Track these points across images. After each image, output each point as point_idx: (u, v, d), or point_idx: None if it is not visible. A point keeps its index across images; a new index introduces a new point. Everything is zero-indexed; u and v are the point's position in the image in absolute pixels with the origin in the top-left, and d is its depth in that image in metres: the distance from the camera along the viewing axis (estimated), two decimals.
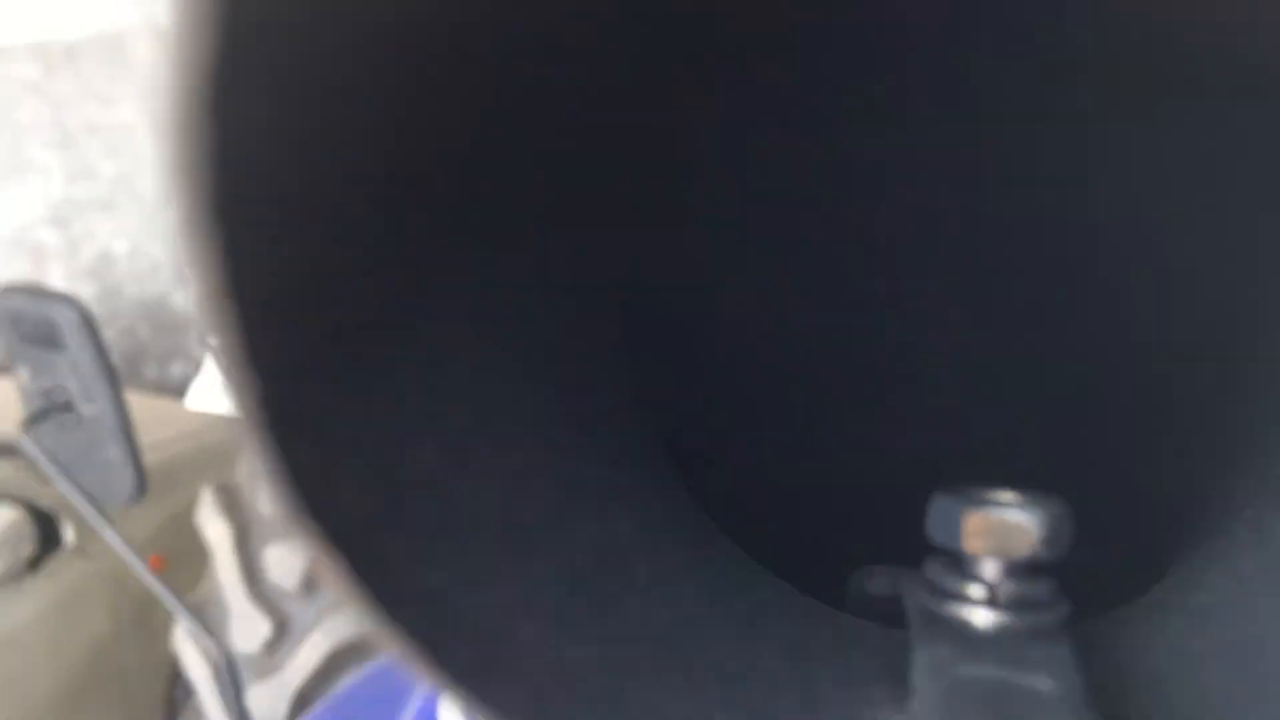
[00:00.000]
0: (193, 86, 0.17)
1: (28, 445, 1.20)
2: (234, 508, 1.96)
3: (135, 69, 3.62)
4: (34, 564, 2.33)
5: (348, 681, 1.45)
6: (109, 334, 3.96)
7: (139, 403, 3.00)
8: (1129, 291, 0.27)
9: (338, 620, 1.87)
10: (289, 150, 0.19)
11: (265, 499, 1.92)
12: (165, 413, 2.99)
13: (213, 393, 1.84)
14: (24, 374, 1.22)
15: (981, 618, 0.18)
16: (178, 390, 2.34)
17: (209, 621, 1.77)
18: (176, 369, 3.77)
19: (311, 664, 1.85)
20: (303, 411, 0.17)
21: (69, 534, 2.41)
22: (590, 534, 0.19)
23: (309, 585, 1.89)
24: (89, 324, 1.18)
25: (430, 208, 0.21)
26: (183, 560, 2.24)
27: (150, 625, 2.48)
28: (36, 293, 1.18)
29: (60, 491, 2.04)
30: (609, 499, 0.21)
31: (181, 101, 0.17)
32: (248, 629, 1.88)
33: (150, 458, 2.76)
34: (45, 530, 2.36)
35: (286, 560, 1.89)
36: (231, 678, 1.77)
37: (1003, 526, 0.17)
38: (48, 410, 1.22)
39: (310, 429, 0.17)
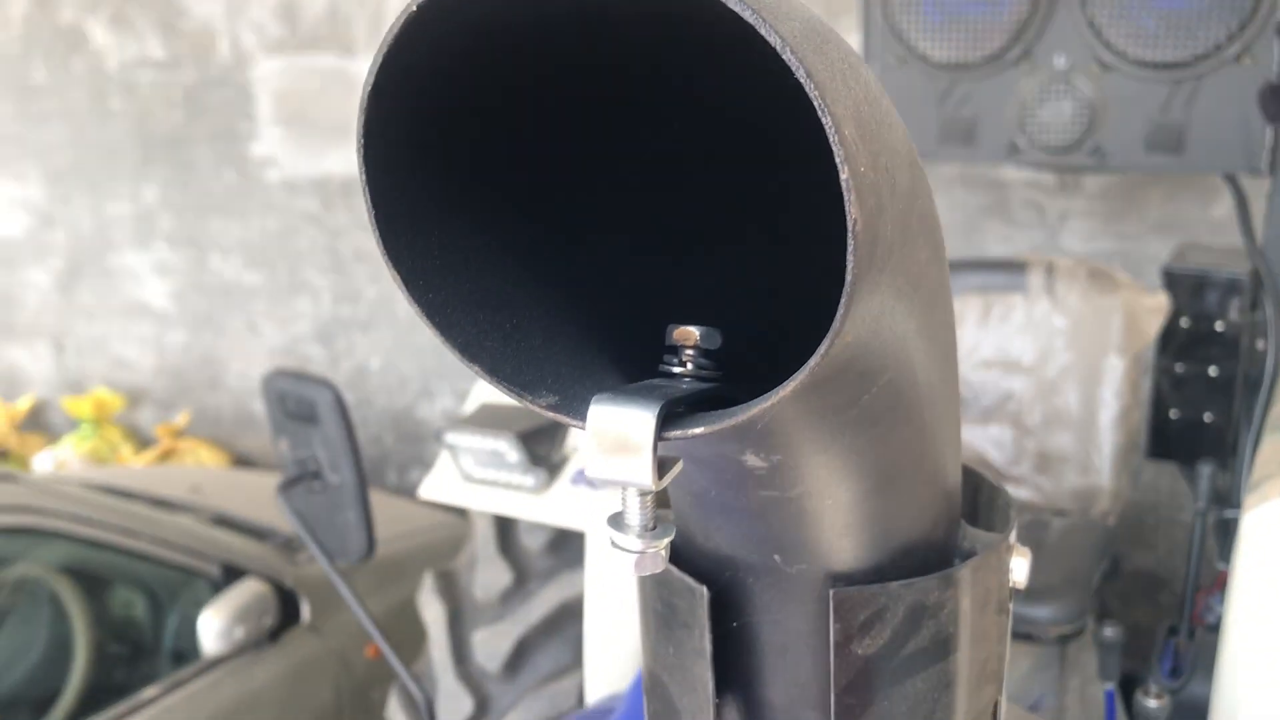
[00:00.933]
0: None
1: (283, 504, 1.41)
2: (450, 591, 2.15)
3: None
4: (273, 636, 2.57)
5: None
6: (358, 441, 4.30)
7: (381, 502, 3.27)
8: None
9: (535, 702, 2.01)
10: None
11: (479, 585, 2.10)
12: (402, 512, 3.26)
13: (441, 486, 2.03)
14: (285, 445, 1.44)
15: (678, 370, 0.34)
16: (415, 493, 2.56)
17: (427, 695, 1.93)
18: (414, 474, 4.07)
19: None
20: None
21: (306, 611, 2.66)
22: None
23: (511, 668, 2.03)
24: (341, 405, 1.40)
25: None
26: (403, 644, 2.44)
27: (367, 704, 2.68)
28: (300, 376, 1.41)
29: (309, 555, 2.27)
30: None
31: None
32: (452, 705, 2.04)
33: (386, 550, 3.01)
34: (285, 606, 2.61)
35: (492, 644, 2.04)
36: None
37: (685, 333, 0.34)
38: (301, 476, 1.43)
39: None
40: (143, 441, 4.71)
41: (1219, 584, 1.98)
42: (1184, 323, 2.21)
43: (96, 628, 2.43)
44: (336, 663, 2.68)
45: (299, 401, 1.41)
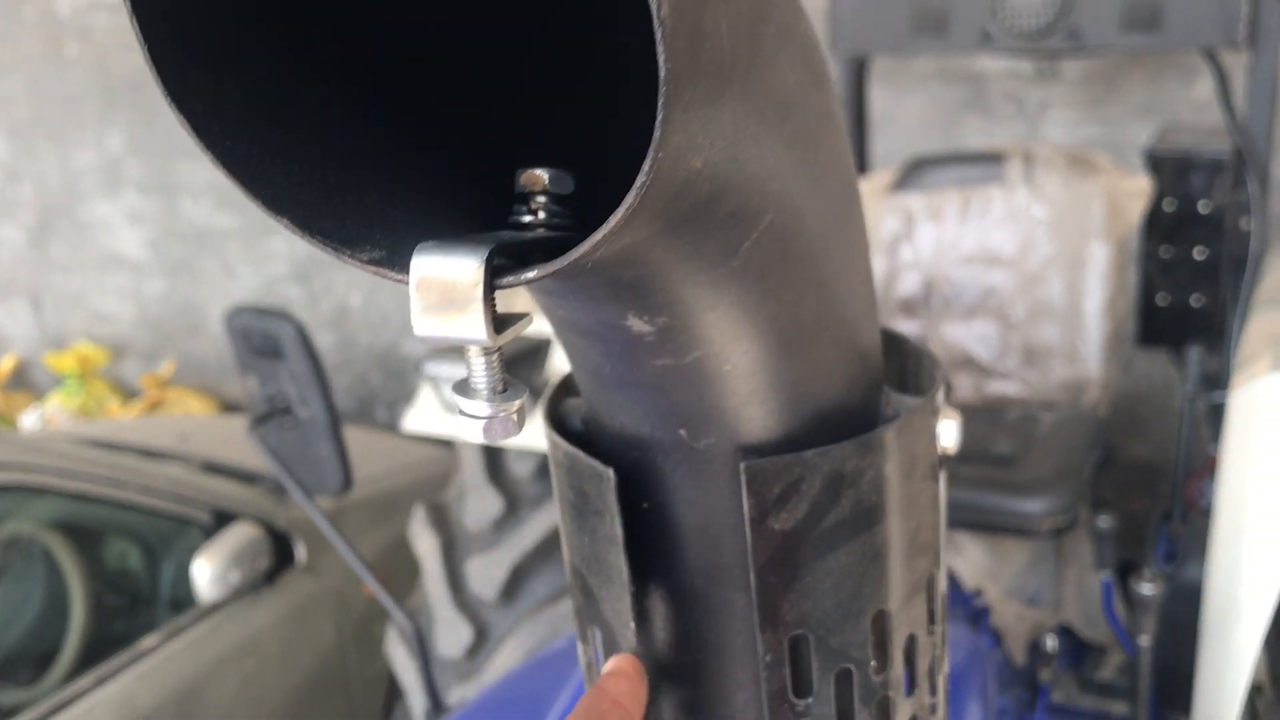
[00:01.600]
0: None
1: (254, 440, 1.38)
2: (442, 523, 2.13)
3: None
4: (270, 578, 2.56)
5: (498, 680, 1.57)
6: (344, 380, 4.28)
7: (369, 439, 3.25)
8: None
9: (532, 628, 2.00)
10: None
11: (470, 515, 2.09)
12: (390, 448, 3.24)
13: (424, 418, 2.01)
14: (253, 382, 1.41)
15: (529, 219, 0.31)
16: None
17: (418, 627, 1.92)
18: (402, 410, 4.05)
19: (507, 667, 1.99)
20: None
21: (301, 552, 2.65)
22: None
23: (507, 595, 2.03)
24: (304, 338, 1.36)
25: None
26: (399, 577, 2.43)
27: (369, 640, 2.69)
28: (261, 311, 1.37)
29: (286, 489, 2.25)
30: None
31: None
32: (451, 635, 2.04)
33: (377, 486, 3.00)
34: (280, 548, 2.60)
35: (487, 572, 2.03)
36: (434, 680, 1.92)
37: (533, 177, 0.30)
38: (271, 413, 1.40)
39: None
40: (129, 394, 4.68)
41: (1210, 469, 1.97)
42: (1168, 205, 2.18)
43: (92, 581, 2.42)
44: (335, 602, 2.68)
45: (263, 337, 1.38)
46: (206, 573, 2.39)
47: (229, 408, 4.50)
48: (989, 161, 2.23)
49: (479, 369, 0.31)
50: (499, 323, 0.30)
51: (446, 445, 2.97)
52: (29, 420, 4.43)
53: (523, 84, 0.38)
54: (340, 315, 4.27)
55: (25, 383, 4.90)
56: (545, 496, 2.12)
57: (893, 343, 0.47)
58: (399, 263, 0.31)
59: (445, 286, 0.29)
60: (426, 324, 0.29)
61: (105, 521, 2.54)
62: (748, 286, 0.34)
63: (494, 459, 2.12)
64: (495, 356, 0.31)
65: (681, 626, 0.43)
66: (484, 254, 0.29)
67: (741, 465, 0.38)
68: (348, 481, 1.39)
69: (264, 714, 2.45)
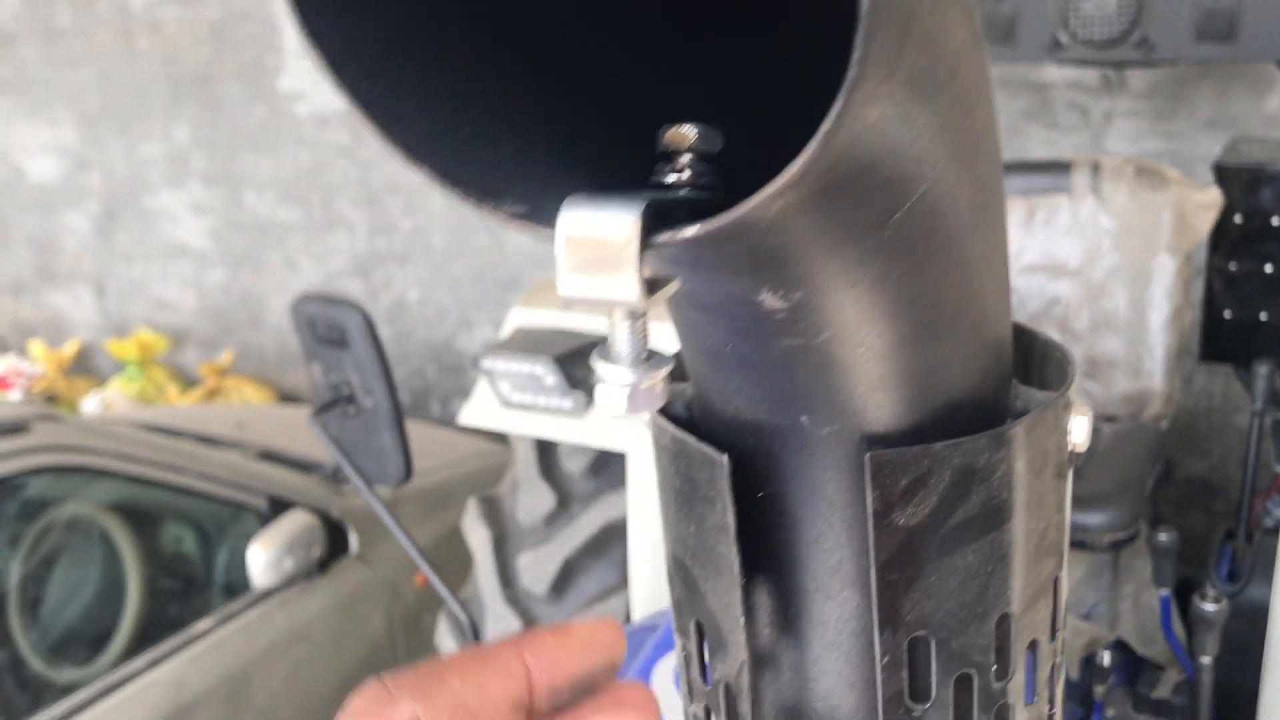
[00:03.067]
0: None
1: (315, 428, 1.40)
2: (494, 517, 2.14)
3: None
4: (323, 566, 2.59)
5: None
6: (400, 374, 4.31)
7: (424, 432, 3.27)
8: None
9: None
10: None
11: (523, 510, 2.09)
12: (445, 441, 3.26)
13: (480, 412, 2.02)
14: (317, 370, 1.43)
15: (673, 179, 0.30)
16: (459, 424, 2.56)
17: (472, 618, 1.93)
18: (456, 405, 4.07)
19: None
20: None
21: (354, 542, 2.67)
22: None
23: (557, 590, 2.03)
24: (370, 327, 1.37)
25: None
26: (449, 570, 2.44)
27: (419, 631, 2.70)
28: (329, 299, 1.38)
29: (350, 483, 2.27)
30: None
31: None
32: (500, 628, 2.04)
33: (431, 479, 3.01)
34: (334, 537, 2.62)
35: (538, 567, 2.04)
36: None
37: (679, 134, 0.29)
38: (335, 401, 1.41)
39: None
40: (188, 381, 4.74)
41: (1277, 487, 1.94)
42: (1237, 219, 2.14)
43: (148, 564, 2.46)
44: (386, 591, 2.70)
45: (329, 325, 1.39)
46: (261, 559, 2.42)
47: (286, 397, 4.55)
48: (1055, 171, 2.20)
49: (624, 334, 0.30)
50: (649, 285, 0.28)
51: (500, 440, 2.98)
52: (90, 405, 4.50)
53: (656, 38, 0.37)
54: (398, 310, 4.30)
55: (87, 368, 4.98)
56: (597, 493, 2.12)
57: (1020, 334, 0.45)
58: (543, 217, 0.29)
59: (596, 243, 0.27)
60: (573, 283, 0.28)
61: (162, 506, 2.58)
62: (892, 263, 0.32)
63: (546, 455, 2.13)
64: (642, 321, 0.30)
65: (792, 622, 0.41)
66: (639, 209, 0.27)
67: (866, 456, 0.36)
68: (408, 471, 1.40)
69: (312, 701, 2.48)
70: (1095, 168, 2.17)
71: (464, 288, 4.16)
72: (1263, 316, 2.17)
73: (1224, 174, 2.15)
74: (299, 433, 3.01)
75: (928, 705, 0.39)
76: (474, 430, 2.59)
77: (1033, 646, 0.41)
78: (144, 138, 4.55)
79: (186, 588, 2.56)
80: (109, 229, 4.79)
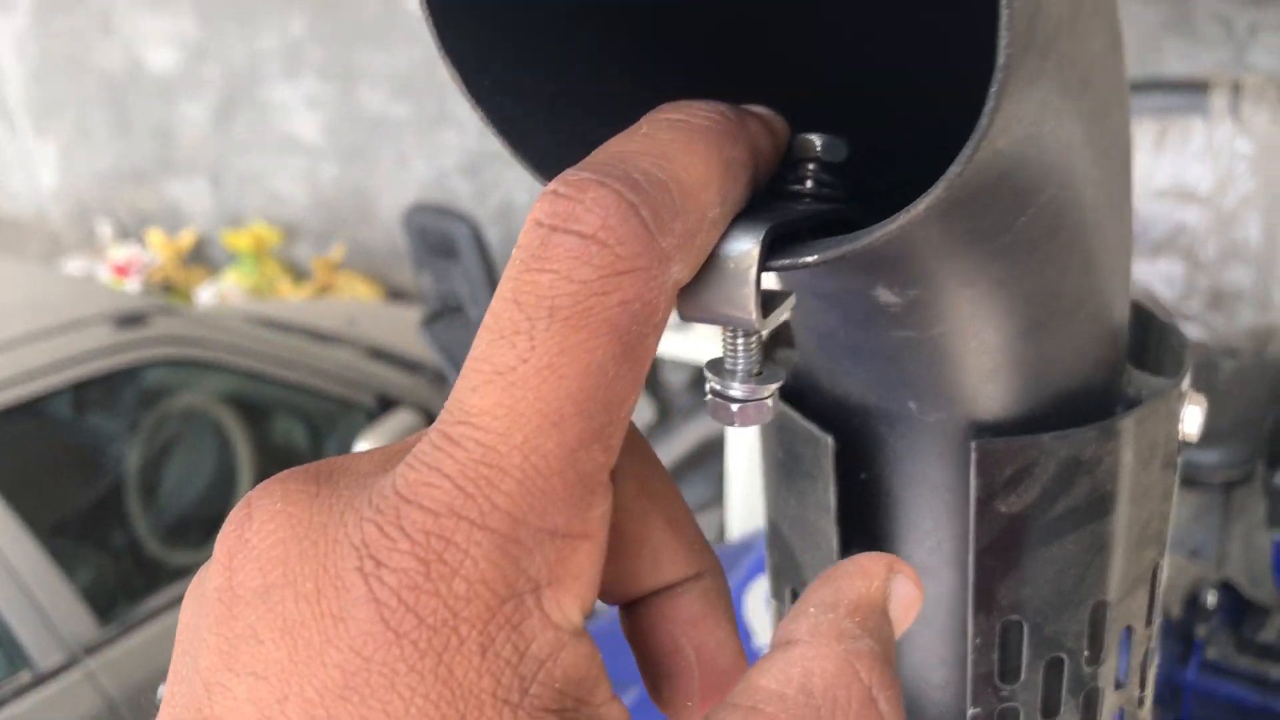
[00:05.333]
0: None
1: (425, 337, 1.41)
2: None
3: None
4: None
5: None
6: None
7: None
8: None
9: None
10: None
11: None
12: None
13: None
14: (427, 279, 1.44)
15: (796, 188, 0.30)
16: None
17: None
18: None
19: None
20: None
21: None
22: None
23: None
24: (479, 239, 1.38)
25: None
26: None
27: None
28: (440, 210, 1.39)
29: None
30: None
31: None
32: None
33: None
34: None
35: None
36: None
37: (804, 142, 0.29)
38: (443, 311, 1.43)
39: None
40: (300, 275, 4.84)
41: None
42: None
43: (259, 455, 2.53)
44: None
45: (439, 236, 1.39)
46: None
47: (395, 295, 4.62)
48: (1191, 90, 2.10)
49: (737, 350, 0.29)
50: (767, 303, 0.28)
51: None
52: (204, 295, 4.63)
53: (773, 46, 0.35)
54: (506, 211, 4.31)
55: (202, 258, 5.11)
56: (697, 407, 2.13)
57: (1138, 314, 0.44)
58: None
59: (715, 265, 0.27)
60: (693, 303, 0.27)
61: (274, 399, 2.65)
62: (1013, 262, 0.31)
63: (650, 369, 2.13)
64: (755, 339, 0.29)
65: None
66: (761, 231, 0.27)
67: (972, 444, 0.35)
68: None
69: None
70: (1236, 88, 2.06)
71: None
72: None
73: None
74: (406, 331, 3.06)
75: (1016, 686, 0.39)
76: None
77: (1127, 632, 0.40)
78: (261, 29, 4.59)
79: None
80: (225, 120, 4.87)
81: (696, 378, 2.14)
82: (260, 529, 0.24)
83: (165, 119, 5.03)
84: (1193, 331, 2.13)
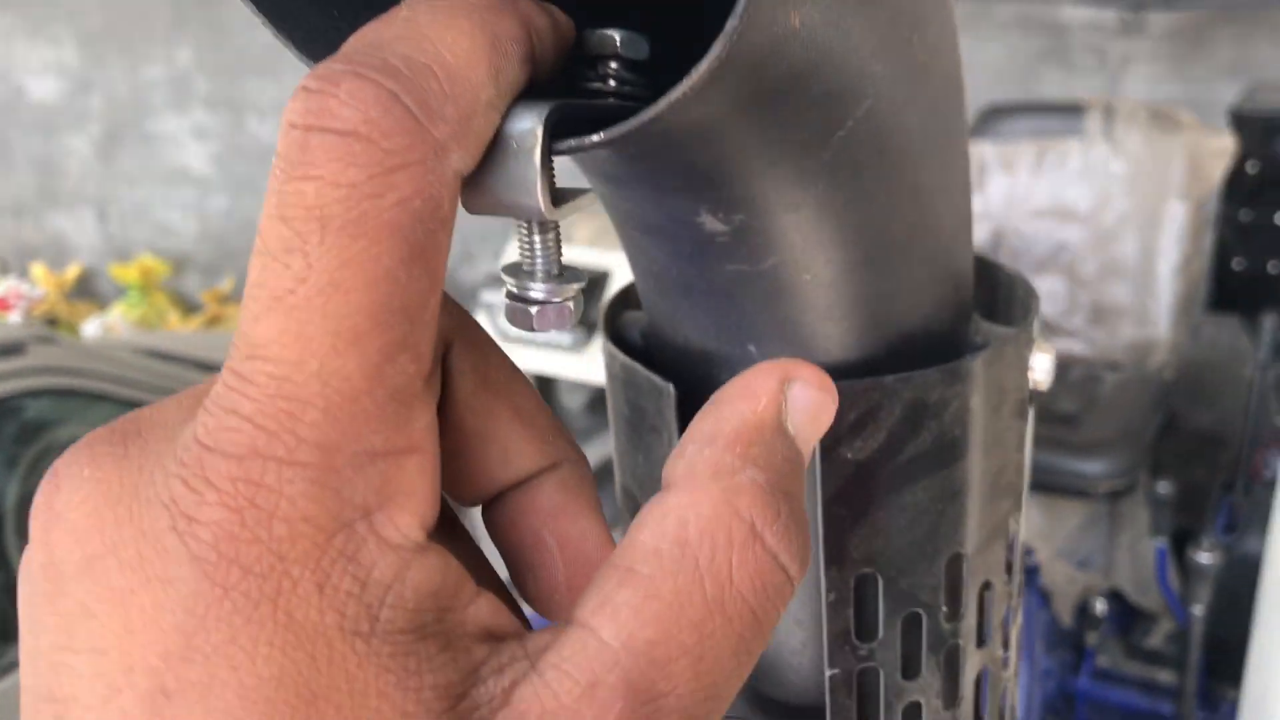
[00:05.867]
0: None
1: None
2: None
3: None
4: None
5: None
6: None
7: None
8: None
9: None
10: None
11: None
12: None
13: None
14: None
15: (597, 86, 0.28)
16: None
17: None
18: None
19: None
20: None
21: None
22: None
23: None
24: None
25: None
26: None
27: None
28: None
29: None
30: None
31: None
32: (494, 559, 2.05)
33: None
34: None
35: None
36: None
37: (603, 38, 0.28)
38: None
39: None
40: (189, 307, 4.73)
41: (1278, 440, 1.92)
42: (1251, 167, 2.11)
43: None
44: None
45: None
46: None
47: None
48: (1068, 113, 2.17)
49: (532, 248, 0.27)
50: (556, 196, 0.26)
51: None
52: (91, 329, 4.49)
53: None
54: None
55: (89, 291, 4.97)
56: (596, 429, 2.12)
57: (984, 268, 0.43)
58: None
59: (499, 150, 0.25)
60: (477, 192, 0.25)
61: None
62: (837, 184, 0.31)
63: (546, 390, 2.12)
64: (552, 234, 0.27)
65: None
66: (542, 113, 0.25)
67: None
68: None
69: None
70: (1108, 111, 2.13)
71: (465, 220, 4.07)
72: (1272, 267, 2.15)
73: (1240, 120, 2.11)
74: None
75: (874, 644, 0.37)
76: None
77: (986, 588, 0.39)
78: (146, 59, 4.50)
79: None
80: (111, 151, 4.75)
81: (595, 399, 2.14)
82: (70, 499, 0.23)
83: (47, 150, 4.89)
84: (1076, 346, 2.19)
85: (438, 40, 0.23)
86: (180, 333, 4.17)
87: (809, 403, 0.26)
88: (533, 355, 2.04)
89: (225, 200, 4.60)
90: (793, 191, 0.30)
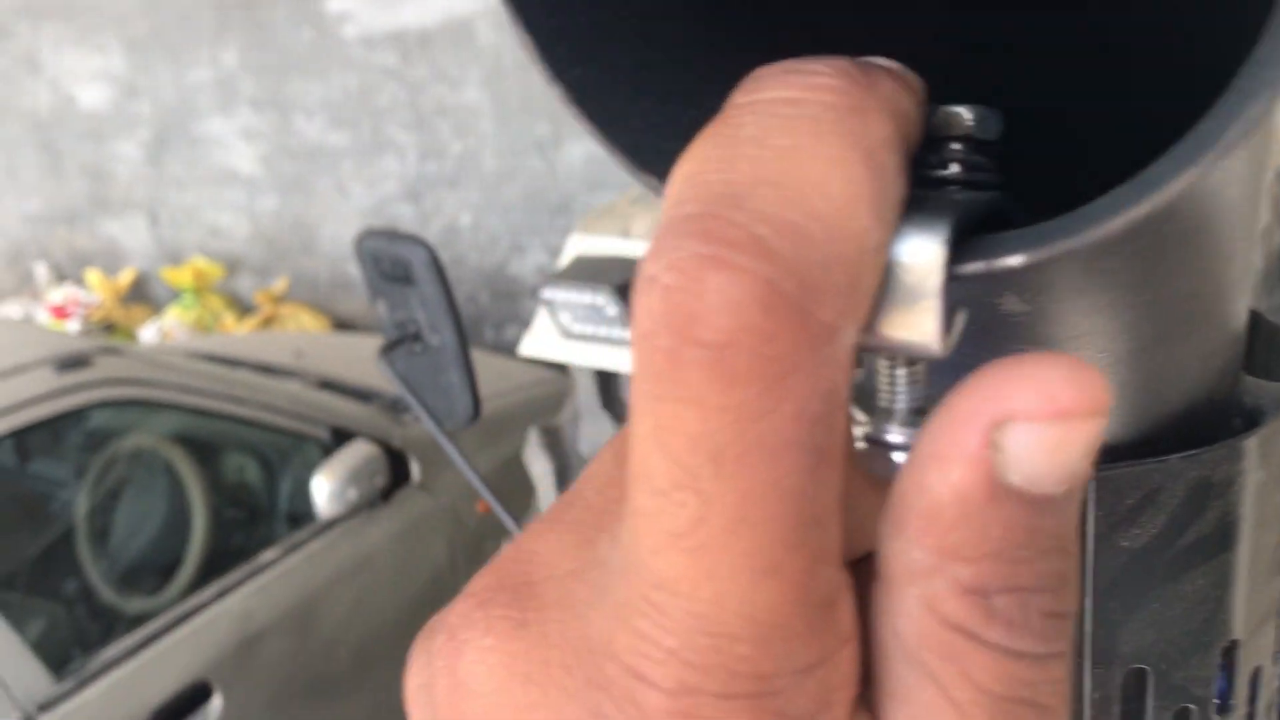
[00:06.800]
0: None
1: (383, 366, 1.37)
2: (555, 447, 2.13)
3: (481, 54, 3.91)
4: (385, 496, 2.59)
5: None
6: None
7: (479, 360, 3.26)
8: None
9: None
10: None
11: (584, 440, 2.08)
12: (501, 369, 3.25)
13: (540, 343, 2.00)
14: (383, 307, 1.40)
15: (942, 174, 0.24)
16: (511, 350, 2.54)
17: None
18: (510, 331, 4.05)
19: None
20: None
21: (416, 470, 2.67)
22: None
23: None
24: (436, 263, 1.34)
25: None
26: (512, 498, 2.44)
27: (481, 557, 2.71)
28: (393, 235, 1.35)
29: (414, 417, 2.27)
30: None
31: None
32: None
33: (489, 407, 3.01)
34: (396, 466, 2.63)
35: None
36: None
37: (952, 117, 0.23)
38: (401, 339, 1.39)
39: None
40: (243, 309, 4.76)
41: None
42: None
43: (212, 494, 2.47)
44: (449, 519, 2.71)
45: (393, 262, 1.35)
46: (325, 489, 2.43)
47: (341, 324, 4.56)
48: None
49: (900, 383, 0.23)
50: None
51: (555, 367, 2.96)
52: (147, 333, 4.53)
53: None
54: (450, 235, 4.27)
55: (143, 296, 5.01)
56: None
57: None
58: None
59: (891, 275, 0.20)
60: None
61: (225, 436, 2.59)
62: (1150, 264, 0.27)
63: (608, 386, 2.11)
64: (922, 366, 0.23)
65: None
66: (939, 233, 0.20)
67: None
68: (477, 410, 1.38)
69: (376, 629, 2.50)
70: None
71: (515, 212, 4.11)
72: None
73: None
74: (356, 361, 3.01)
75: None
76: (529, 359, 2.58)
77: (1256, 674, 0.37)
78: (192, 63, 4.52)
79: (251, 518, 2.58)
80: (160, 156, 4.78)
81: None
82: (474, 670, 0.22)
83: (97, 157, 4.93)
84: None
85: (803, 179, 0.19)
86: (236, 335, 4.20)
87: (1039, 443, 0.19)
88: (595, 350, 2.02)
89: (275, 200, 4.62)
90: (1103, 276, 0.26)
